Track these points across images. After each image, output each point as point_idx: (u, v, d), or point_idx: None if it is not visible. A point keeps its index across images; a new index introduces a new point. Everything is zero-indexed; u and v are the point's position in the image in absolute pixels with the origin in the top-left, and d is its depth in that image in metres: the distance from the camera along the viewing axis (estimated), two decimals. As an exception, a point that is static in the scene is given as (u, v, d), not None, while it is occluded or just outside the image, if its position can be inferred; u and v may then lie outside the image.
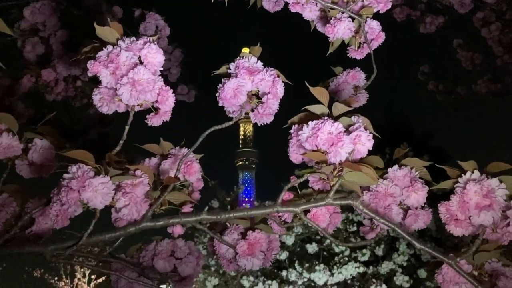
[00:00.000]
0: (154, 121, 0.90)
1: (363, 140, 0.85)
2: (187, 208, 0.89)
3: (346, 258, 4.62)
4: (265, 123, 0.98)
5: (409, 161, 0.95)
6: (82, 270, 15.45)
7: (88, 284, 15.57)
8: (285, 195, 0.88)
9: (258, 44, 0.98)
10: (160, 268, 1.11)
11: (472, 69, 4.03)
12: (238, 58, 0.96)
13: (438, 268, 0.84)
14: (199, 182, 0.98)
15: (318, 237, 5.31)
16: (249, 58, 0.95)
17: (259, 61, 0.95)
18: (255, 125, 0.95)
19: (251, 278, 4.65)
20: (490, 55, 4.01)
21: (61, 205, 0.77)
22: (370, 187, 0.90)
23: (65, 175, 0.77)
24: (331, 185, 0.83)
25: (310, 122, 0.85)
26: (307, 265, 4.63)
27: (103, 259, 1.09)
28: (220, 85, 0.93)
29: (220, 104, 0.96)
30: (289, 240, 5.06)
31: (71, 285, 15.30)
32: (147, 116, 0.90)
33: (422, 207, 0.93)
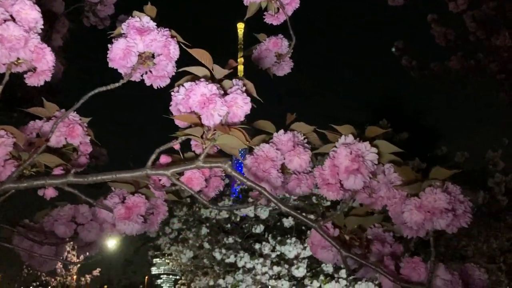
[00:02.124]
0: (33, 80, 0.87)
1: (239, 103, 0.83)
2: (57, 171, 0.87)
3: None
4: (160, 86, 0.95)
5: (297, 125, 0.93)
6: (71, 243, 15.58)
7: (78, 257, 15.72)
8: (163, 158, 0.87)
9: (149, 3, 0.94)
10: (60, 233, 1.10)
11: (446, 45, 4.00)
12: (130, 17, 0.92)
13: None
14: (86, 146, 0.96)
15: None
16: (141, 17, 0.92)
17: (151, 21, 0.91)
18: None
19: (223, 251, 4.69)
20: (463, 31, 3.97)
21: None
22: (253, 151, 0.89)
23: None
24: (203, 148, 0.82)
25: (184, 84, 0.83)
26: (279, 238, 4.67)
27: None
28: (110, 45, 0.90)
29: (110, 66, 0.93)
30: (264, 214, 5.09)
31: (61, 257, 15.45)
32: (25, 76, 0.87)
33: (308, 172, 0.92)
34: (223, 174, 0.92)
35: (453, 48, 4.02)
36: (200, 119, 0.81)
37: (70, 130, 0.91)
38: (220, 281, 4.34)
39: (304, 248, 4.62)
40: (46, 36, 2.03)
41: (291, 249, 4.36)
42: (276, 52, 1.28)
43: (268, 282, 4.43)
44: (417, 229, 0.79)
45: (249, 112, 0.85)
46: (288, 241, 4.45)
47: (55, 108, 0.94)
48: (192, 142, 0.90)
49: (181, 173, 0.86)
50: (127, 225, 0.88)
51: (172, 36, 0.92)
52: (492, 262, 5.66)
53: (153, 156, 0.82)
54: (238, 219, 5.62)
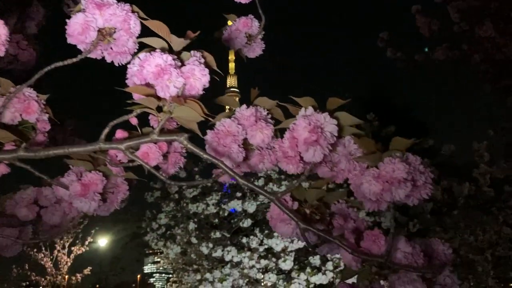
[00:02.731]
0: (-15, 55, 0.84)
1: (197, 75, 0.81)
2: (8, 146, 0.84)
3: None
4: (121, 63, 0.93)
5: (260, 100, 0.91)
6: (61, 242, 15.46)
7: (68, 255, 15.61)
8: (119, 133, 0.84)
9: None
10: (21, 216, 1.07)
11: (430, 35, 4.00)
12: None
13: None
14: (44, 123, 0.93)
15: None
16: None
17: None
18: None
19: (210, 245, 4.67)
20: (448, 22, 3.97)
21: None
22: (215, 126, 0.87)
23: None
24: (159, 120, 0.79)
25: (139, 55, 0.81)
26: (266, 231, 4.66)
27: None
28: (68, 20, 0.87)
29: (68, 41, 0.90)
30: (251, 208, 5.07)
31: (51, 257, 15.32)
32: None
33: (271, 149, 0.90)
34: (184, 151, 0.89)
35: (438, 39, 4.03)
36: (155, 91, 0.79)
37: (25, 106, 0.88)
38: (207, 275, 4.31)
39: (292, 241, 4.61)
40: (18, 23, 1.99)
41: (278, 242, 4.35)
42: (246, 33, 1.25)
43: (255, 275, 4.42)
44: (377, 201, 0.78)
45: (207, 85, 0.83)
46: (275, 234, 4.44)
47: (10, 85, 0.91)
48: (150, 117, 0.88)
49: (137, 148, 0.83)
50: (83, 203, 0.85)
51: (133, 12, 0.90)
52: (480, 254, 5.69)
53: (106, 130, 0.79)
54: (226, 214, 5.60)
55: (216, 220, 5.60)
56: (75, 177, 0.87)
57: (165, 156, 0.88)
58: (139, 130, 0.88)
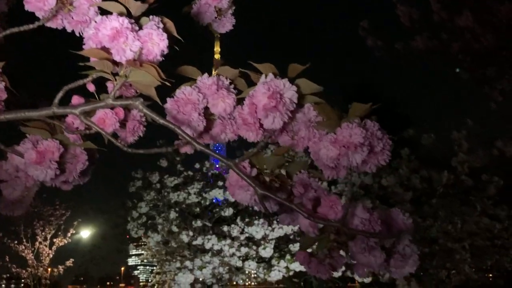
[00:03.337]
0: None
1: (155, 39, 0.79)
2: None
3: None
4: (82, 32, 0.90)
5: (222, 69, 0.90)
6: (43, 233, 15.27)
7: (50, 247, 15.43)
8: (75, 99, 0.82)
9: None
10: (-20, 189, 1.05)
11: (410, 25, 4.02)
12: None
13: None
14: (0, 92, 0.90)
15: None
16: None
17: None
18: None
19: (190, 233, 4.66)
20: (428, 11, 3.99)
21: None
22: (175, 95, 0.86)
23: None
24: (114, 85, 0.78)
25: (95, 18, 0.79)
26: (247, 219, 4.67)
27: None
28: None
29: (26, 9, 0.87)
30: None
31: (32, 249, 15.13)
32: None
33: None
34: (143, 119, 0.87)
35: (418, 29, 4.05)
36: (111, 54, 0.77)
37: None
38: (187, 263, 4.30)
39: (272, 230, 4.63)
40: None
41: (258, 230, 4.36)
42: (216, 7, 1.23)
43: (236, 263, 4.43)
44: (335, 168, 0.77)
45: (166, 50, 0.81)
46: (256, 222, 4.45)
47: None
48: (108, 84, 0.86)
49: (92, 114, 0.81)
50: (39, 171, 0.83)
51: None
52: (458, 243, 5.79)
53: (60, 94, 0.77)
54: (207, 203, 5.59)
55: (198, 209, 5.59)
56: (30, 145, 0.85)
57: (123, 124, 0.86)
58: (97, 97, 0.86)
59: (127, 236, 6.14)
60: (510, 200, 6.65)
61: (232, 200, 5.11)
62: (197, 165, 6.23)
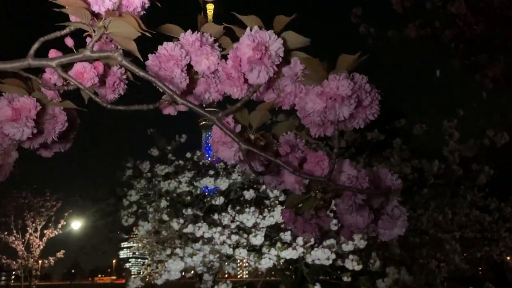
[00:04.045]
0: None
1: (135, -11, 0.75)
2: None
3: (277, 202, 4.65)
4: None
5: (206, 27, 0.87)
6: (33, 225, 15.15)
7: (40, 239, 15.31)
8: (52, 53, 0.79)
9: None
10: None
11: (403, 12, 3.99)
12: None
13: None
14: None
15: (256, 185, 5.34)
16: None
17: None
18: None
19: (181, 221, 4.63)
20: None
21: None
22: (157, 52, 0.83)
23: None
24: (93, 36, 0.74)
25: (73, -34, 0.75)
26: (238, 207, 4.65)
27: None
28: None
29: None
30: (223, 185, 5.04)
31: (23, 240, 15.01)
32: None
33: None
34: (123, 76, 0.84)
35: (410, 16, 4.03)
36: (89, 4, 0.74)
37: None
38: (178, 250, 4.28)
39: (263, 218, 4.61)
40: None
41: (249, 218, 4.34)
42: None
43: (227, 251, 4.41)
44: (322, 125, 0.75)
45: (147, 3, 0.78)
46: (247, 210, 4.43)
47: None
48: (88, 39, 0.82)
49: (70, 68, 0.78)
50: (15, 128, 0.80)
51: None
52: (448, 233, 5.82)
53: (36, 45, 0.73)
54: (198, 192, 5.56)
55: (189, 198, 5.56)
56: (6, 102, 0.81)
57: (103, 80, 0.83)
58: (75, 52, 0.82)
59: (118, 231, 6.11)
60: (500, 192, 6.70)
61: (223, 189, 5.09)
62: (188, 155, 6.20)
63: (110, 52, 0.73)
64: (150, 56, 0.82)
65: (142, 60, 0.82)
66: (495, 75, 3.49)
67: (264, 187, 5.21)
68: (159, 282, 4.37)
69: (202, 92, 0.85)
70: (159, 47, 0.83)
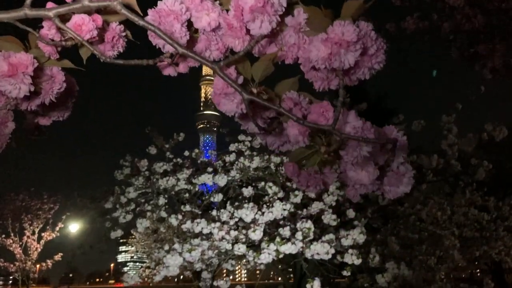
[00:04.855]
0: None
1: None
2: None
3: (276, 198, 4.62)
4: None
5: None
6: (31, 228, 15.07)
7: (38, 241, 15.23)
8: (49, 5, 0.77)
9: None
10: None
11: (401, 4, 3.99)
12: None
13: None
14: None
15: (254, 183, 5.33)
16: None
17: None
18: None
19: (179, 217, 4.60)
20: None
21: None
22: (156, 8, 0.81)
23: None
24: (91, -14, 0.72)
25: None
26: (236, 203, 4.62)
27: None
28: None
29: None
30: (221, 181, 5.02)
31: (20, 243, 14.93)
32: None
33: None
34: (123, 34, 0.82)
35: (408, 8, 4.03)
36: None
37: None
38: (176, 246, 4.25)
39: (262, 214, 4.58)
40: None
41: (247, 213, 4.31)
42: None
43: (226, 247, 4.38)
44: (327, 78, 0.73)
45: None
46: (245, 205, 4.40)
47: None
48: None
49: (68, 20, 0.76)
50: (12, 85, 0.78)
51: None
52: (447, 230, 5.80)
53: (31, -5, 0.72)
54: (197, 189, 5.53)
55: (187, 195, 5.53)
56: (2, 58, 0.79)
57: (104, 38, 0.81)
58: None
59: (115, 224, 6.06)
60: (498, 191, 6.69)
61: (222, 185, 5.07)
62: (186, 153, 6.17)
63: (109, 2, 0.71)
64: (149, 11, 0.80)
65: (141, 15, 0.80)
66: (494, 66, 3.48)
67: (262, 183, 5.19)
68: (157, 278, 4.33)
69: (202, 50, 0.83)
70: (159, 2, 0.81)
